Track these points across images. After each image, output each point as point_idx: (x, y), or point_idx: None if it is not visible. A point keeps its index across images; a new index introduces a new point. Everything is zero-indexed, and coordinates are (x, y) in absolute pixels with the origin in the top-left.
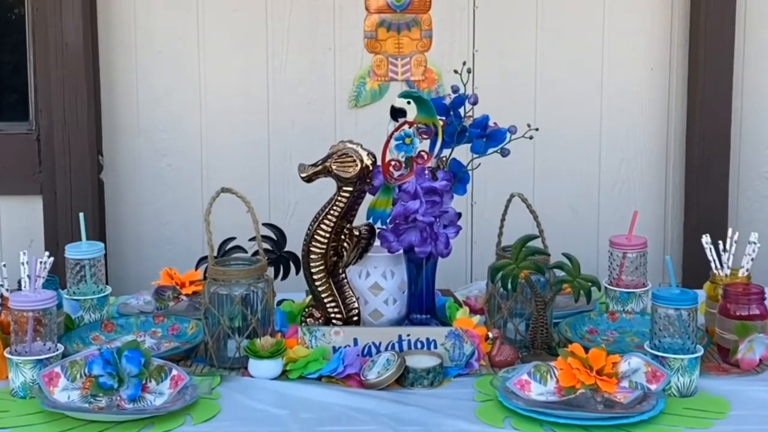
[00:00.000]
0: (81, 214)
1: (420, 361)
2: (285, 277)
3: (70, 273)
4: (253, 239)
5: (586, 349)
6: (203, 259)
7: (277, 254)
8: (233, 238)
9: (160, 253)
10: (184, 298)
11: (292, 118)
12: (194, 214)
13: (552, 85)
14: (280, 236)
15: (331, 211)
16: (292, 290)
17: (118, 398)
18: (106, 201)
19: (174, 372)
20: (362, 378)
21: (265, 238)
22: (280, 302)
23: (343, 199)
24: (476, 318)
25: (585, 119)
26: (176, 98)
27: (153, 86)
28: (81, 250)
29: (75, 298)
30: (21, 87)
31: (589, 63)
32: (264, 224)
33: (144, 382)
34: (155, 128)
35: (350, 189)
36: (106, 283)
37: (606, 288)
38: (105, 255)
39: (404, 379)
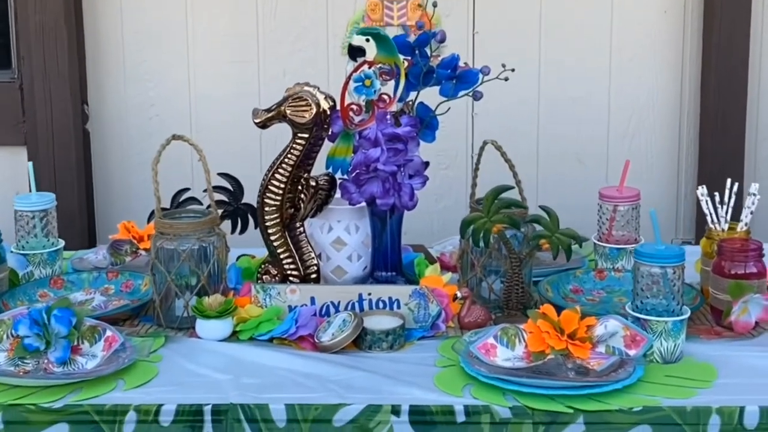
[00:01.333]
0: (30, 164)
1: (380, 322)
2: (243, 230)
3: (18, 226)
4: (206, 191)
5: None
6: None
7: (234, 206)
8: (187, 189)
9: (149, 205)
10: (143, 252)
11: (283, 67)
12: (183, 166)
13: (558, 30)
14: (237, 187)
15: (286, 160)
16: (254, 245)
17: (46, 361)
18: (92, 152)
19: (108, 333)
20: (316, 340)
21: (221, 189)
22: (239, 257)
23: (299, 147)
24: (447, 276)
25: (593, 67)
26: (163, 45)
27: (139, 32)
28: (30, 202)
29: (23, 252)
30: (4, 33)
31: (599, 5)
32: (219, 174)
33: (75, 343)
34: (142, 77)
35: (306, 135)
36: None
37: (595, 244)
38: (90, 206)
39: (362, 341)
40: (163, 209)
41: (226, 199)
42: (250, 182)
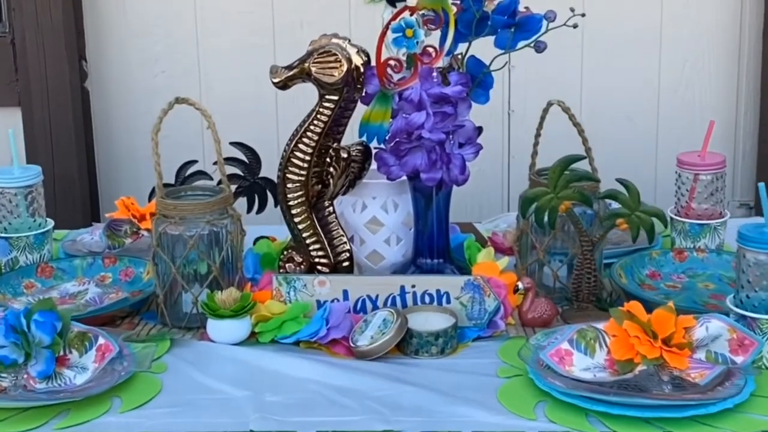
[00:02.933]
0: (10, 131)
1: (427, 320)
2: (261, 209)
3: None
4: (217, 163)
5: (648, 306)
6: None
7: (251, 181)
8: (194, 162)
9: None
10: (145, 233)
11: (300, 18)
12: (194, 129)
13: None
14: (253, 158)
15: (311, 127)
16: (274, 224)
17: (26, 376)
18: (93, 113)
19: (101, 341)
20: (351, 344)
21: (235, 160)
22: (256, 240)
23: (327, 111)
24: (503, 261)
25: (642, 10)
26: None
27: None
28: (12, 177)
29: (4, 235)
30: None
31: None
32: (232, 143)
33: (60, 353)
34: (145, 30)
35: (335, 98)
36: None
37: (672, 219)
38: (91, 175)
39: (406, 345)
40: (166, 185)
41: (240, 173)
42: (266, 150)
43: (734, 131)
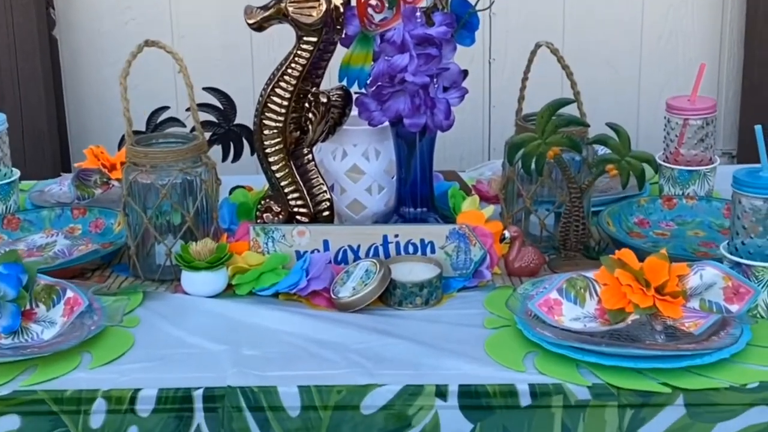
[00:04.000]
0: None
1: (412, 271)
2: (237, 158)
3: None
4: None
5: (637, 254)
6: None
7: (225, 128)
8: (165, 108)
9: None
10: (115, 183)
11: None
12: (165, 77)
13: None
14: (228, 104)
15: (289, 71)
16: (250, 173)
17: None
18: (62, 63)
19: (69, 294)
20: (332, 296)
21: (209, 107)
22: (232, 190)
23: (305, 54)
24: (488, 209)
25: None
26: None
27: None
28: None
29: None
30: None
31: None
32: (205, 89)
33: (27, 308)
34: None
35: (314, 39)
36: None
37: (660, 165)
38: (61, 126)
39: (390, 296)
40: (137, 133)
41: (214, 120)
42: (241, 96)
43: (717, 79)
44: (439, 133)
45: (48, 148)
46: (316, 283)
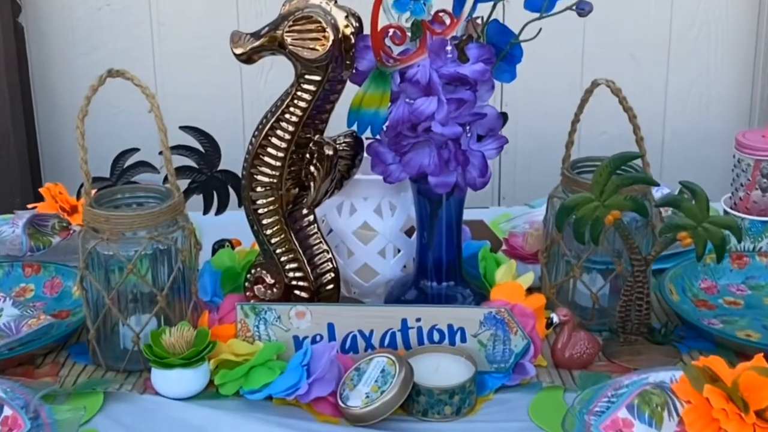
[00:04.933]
0: None
1: (438, 368)
2: (221, 210)
3: None
4: (170, 149)
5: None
6: (93, 180)
7: (207, 174)
8: (135, 150)
9: (106, 118)
10: (77, 229)
11: None
12: (144, 67)
13: None
14: (210, 147)
15: (286, 116)
16: (236, 223)
17: None
18: (28, 52)
19: (6, 412)
20: (340, 403)
21: (187, 149)
22: (216, 246)
23: (306, 96)
24: (527, 278)
25: None
26: None
27: None
28: None
29: None
30: None
31: None
32: (183, 128)
33: None
34: None
35: (317, 78)
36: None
37: (726, 213)
38: (30, 127)
39: (412, 403)
40: (99, 180)
41: (194, 165)
42: (227, 132)
43: (752, 75)
44: None
45: (14, 154)
46: (319, 387)
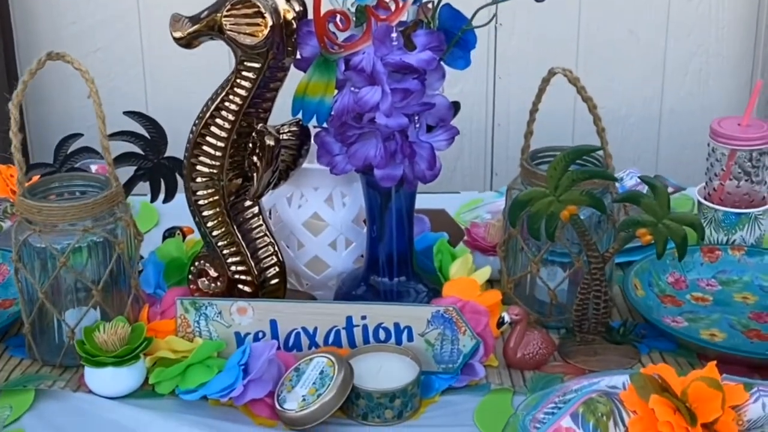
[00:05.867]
0: None
1: (381, 369)
2: (169, 197)
3: None
4: (113, 136)
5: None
6: (35, 167)
7: (154, 161)
8: (78, 135)
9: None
10: None
11: None
12: (132, 41)
13: None
14: (156, 132)
15: (226, 104)
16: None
17: None
18: (14, 22)
19: None
20: (277, 406)
21: (132, 135)
22: (166, 235)
23: (246, 83)
24: (483, 272)
25: None
26: None
27: None
28: None
29: None
30: None
31: None
32: (127, 113)
33: None
34: None
35: (257, 65)
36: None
37: (700, 204)
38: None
39: (351, 405)
40: (40, 166)
41: (140, 151)
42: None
43: (753, 48)
44: None
45: None
46: (255, 388)
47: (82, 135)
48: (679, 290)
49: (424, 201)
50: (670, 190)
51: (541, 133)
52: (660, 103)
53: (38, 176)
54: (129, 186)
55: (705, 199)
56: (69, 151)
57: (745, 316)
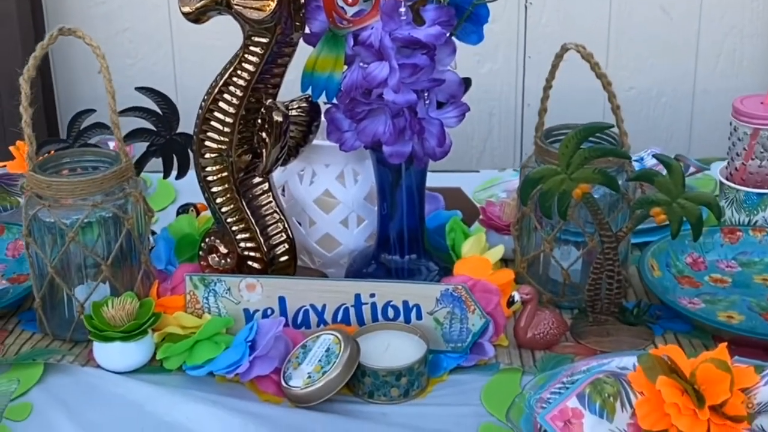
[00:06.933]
0: None
1: (389, 347)
2: (182, 173)
3: None
4: (124, 112)
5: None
6: (48, 143)
7: (166, 137)
8: (91, 111)
9: (124, 71)
10: None
11: None
12: (160, 20)
13: None
14: (168, 108)
15: (234, 79)
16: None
17: None
18: (44, 3)
19: None
20: (283, 383)
21: (144, 111)
22: (182, 211)
23: (254, 58)
24: (496, 251)
25: None
26: None
27: None
28: None
29: None
30: None
31: None
32: (139, 89)
33: None
34: None
35: (265, 40)
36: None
37: (721, 183)
38: (46, 79)
39: (357, 383)
40: (54, 142)
41: (152, 128)
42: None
43: None
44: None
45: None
46: (261, 364)
47: (95, 111)
48: (698, 271)
49: (443, 179)
50: (692, 170)
51: (571, 111)
52: (693, 83)
53: (53, 151)
54: (141, 162)
55: (727, 179)
56: (82, 126)
57: (765, 298)
